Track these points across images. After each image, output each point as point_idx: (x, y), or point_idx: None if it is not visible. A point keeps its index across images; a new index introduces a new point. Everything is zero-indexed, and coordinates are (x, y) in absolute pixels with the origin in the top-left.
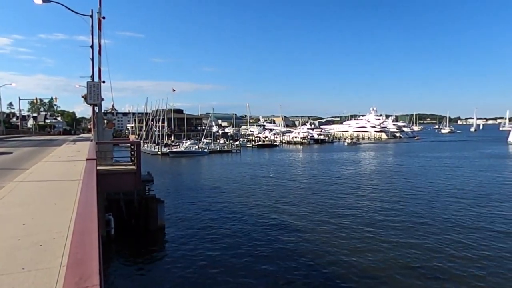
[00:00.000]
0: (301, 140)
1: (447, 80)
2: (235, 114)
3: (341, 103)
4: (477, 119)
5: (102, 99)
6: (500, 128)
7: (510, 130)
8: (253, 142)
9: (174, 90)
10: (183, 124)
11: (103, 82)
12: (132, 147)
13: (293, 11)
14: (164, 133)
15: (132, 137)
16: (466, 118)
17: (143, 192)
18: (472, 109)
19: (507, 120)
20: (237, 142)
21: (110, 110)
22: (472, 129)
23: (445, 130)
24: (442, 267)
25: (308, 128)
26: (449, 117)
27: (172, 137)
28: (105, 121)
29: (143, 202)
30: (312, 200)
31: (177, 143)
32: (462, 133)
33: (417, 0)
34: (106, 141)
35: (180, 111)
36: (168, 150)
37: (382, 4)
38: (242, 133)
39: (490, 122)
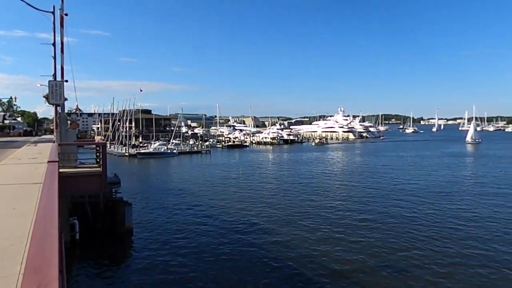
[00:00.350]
0: (271, 140)
1: (411, 82)
2: (205, 115)
3: (310, 103)
4: (439, 119)
5: (65, 99)
6: (460, 128)
7: (468, 130)
8: (223, 143)
9: (141, 90)
10: (152, 124)
11: (66, 81)
12: (98, 148)
13: (262, 13)
14: (132, 134)
15: (98, 138)
16: (429, 119)
17: (110, 195)
18: (434, 110)
19: (466, 121)
20: (207, 143)
21: (74, 110)
22: (434, 129)
23: (409, 130)
24: (408, 263)
25: (277, 129)
26: (413, 118)
27: (140, 138)
28: (69, 122)
29: (110, 205)
30: (281, 200)
31: (145, 144)
32: (425, 133)
33: (380, 3)
34: (69, 143)
35: (148, 112)
36: (136, 152)
37: (347, 6)
38: (212, 133)
39: (450, 122)
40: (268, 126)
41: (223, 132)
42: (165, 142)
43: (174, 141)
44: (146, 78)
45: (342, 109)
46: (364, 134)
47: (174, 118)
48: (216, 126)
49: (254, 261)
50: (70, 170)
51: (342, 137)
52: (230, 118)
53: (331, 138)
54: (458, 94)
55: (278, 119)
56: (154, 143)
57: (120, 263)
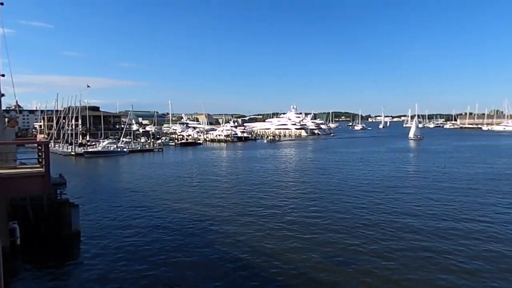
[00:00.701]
0: (225, 138)
1: (359, 80)
2: (157, 112)
3: (263, 101)
4: (385, 116)
5: (2, 95)
6: (404, 125)
7: (410, 127)
8: (176, 141)
9: (89, 86)
10: (100, 122)
11: (3, 75)
12: (40, 147)
13: (215, 8)
14: (78, 132)
15: (40, 137)
16: (376, 116)
17: (54, 196)
18: (380, 107)
19: (409, 118)
20: (159, 141)
21: (13, 107)
22: (381, 126)
23: (358, 127)
24: (359, 257)
25: (231, 126)
26: (361, 115)
27: (88, 136)
28: (6, 119)
29: (54, 207)
30: (235, 199)
31: (94, 143)
32: (372, 130)
33: (333, 3)
34: (7, 142)
35: (96, 109)
36: (83, 150)
37: (303, 5)
38: (165, 131)
39: (395, 119)
40: (222, 123)
41: (176, 129)
42: (114, 141)
43: (124, 139)
44: (93, 74)
45: (295, 106)
46: (316, 131)
47: (124, 116)
48: (169, 123)
49: (208, 261)
50: (8, 171)
51: (295, 134)
52: (183, 115)
53: (284, 135)
54: (402, 93)
55: (232, 116)
56: (103, 142)
57: (67, 267)
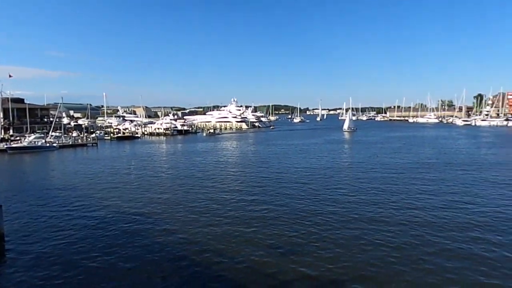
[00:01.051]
0: (164, 131)
1: (297, 74)
2: (90, 105)
3: (204, 94)
4: (322, 109)
5: None
6: (339, 118)
7: (345, 120)
8: (111, 135)
9: (11, 76)
10: (25, 115)
11: None
12: None
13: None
14: (0, 126)
15: None
16: (313, 109)
17: None
18: (317, 100)
19: (344, 111)
20: (93, 135)
21: None
22: (318, 119)
23: (297, 119)
24: (298, 247)
25: (171, 119)
26: (300, 108)
27: (11, 131)
28: None
29: None
30: (175, 194)
31: (18, 138)
32: (310, 122)
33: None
34: None
35: (20, 101)
36: (5, 146)
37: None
38: (99, 125)
39: (332, 112)
40: (161, 116)
41: (111, 123)
42: (42, 135)
43: (53, 133)
44: (16, 62)
45: (235, 99)
46: (257, 124)
47: (54, 108)
48: (104, 116)
49: (148, 261)
50: None
51: (236, 127)
52: (119, 108)
53: (225, 128)
54: (338, 87)
55: (172, 109)
56: (29, 136)
57: None
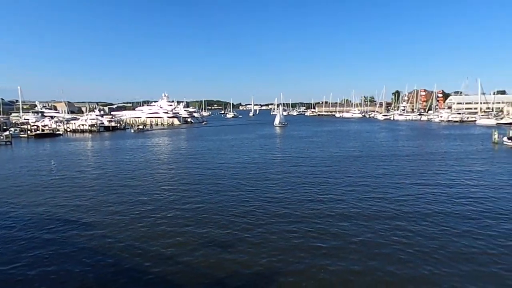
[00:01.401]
0: (90, 127)
1: (229, 68)
2: (3, 99)
3: (133, 89)
4: (255, 105)
5: None
6: (272, 113)
7: (276, 115)
8: (28, 132)
9: None
10: None
11: None
12: None
13: None
14: None
15: None
16: (246, 104)
17: None
18: (250, 96)
19: (276, 106)
20: (7, 133)
21: None
22: (251, 114)
23: (230, 115)
24: (227, 239)
25: (97, 115)
26: (233, 103)
27: None
28: None
29: None
30: (102, 195)
31: None
32: (243, 117)
33: None
34: None
35: None
36: None
37: None
38: (14, 121)
39: (264, 107)
40: (86, 112)
41: (28, 119)
42: None
43: None
44: None
45: (167, 94)
46: (189, 120)
47: None
48: (19, 112)
49: (75, 271)
50: None
51: (168, 123)
52: (36, 103)
53: (156, 124)
54: (270, 82)
55: (97, 104)
56: None
57: None
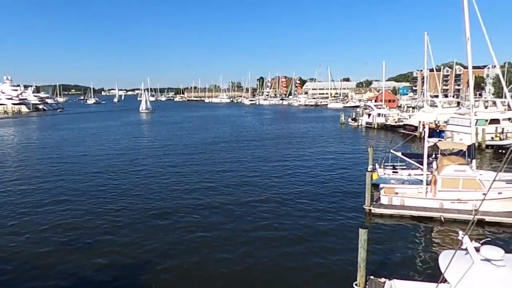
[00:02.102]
0: None
1: (85, 50)
2: None
3: None
4: (119, 90)
5: None
6: (138, 98)
7: (141, 101)
8: None
9: None
10: None
11: None
12: None
13: None
14: None
15: None
16: (109, 89)
17: None
18: (114, 80)
19: (142, 91)
20: None
21: None
22: (115, 100)
23: (91, 101)
24: (97, 239)
25: None
26: (94, 88)
27: None
28: None
29: None
30: None
31: None
32: (107, 104)
33: None
34: None
35: None
36: None
37: None
38: None
39: (130, 93)
40: None
41: None
42: None
43: None
44: None
45: (10, 77)
46: (41, 107)
47: None
48: None
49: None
50: None
51: (13, 111)
52: None
53: None
54: (136, 67)
55: None
56: None
57: None
